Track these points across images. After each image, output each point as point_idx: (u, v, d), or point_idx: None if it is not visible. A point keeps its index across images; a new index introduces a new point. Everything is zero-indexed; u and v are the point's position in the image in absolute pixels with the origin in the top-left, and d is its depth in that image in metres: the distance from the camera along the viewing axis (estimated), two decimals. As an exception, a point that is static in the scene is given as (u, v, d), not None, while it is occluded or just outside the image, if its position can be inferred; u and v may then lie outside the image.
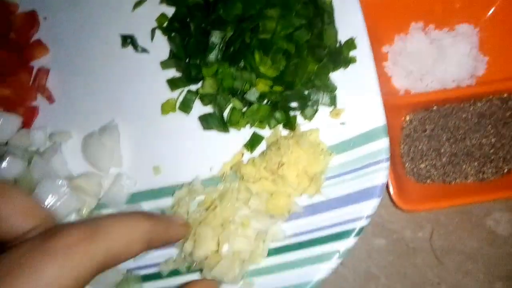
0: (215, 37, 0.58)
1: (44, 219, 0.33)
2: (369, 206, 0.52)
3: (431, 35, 0.66)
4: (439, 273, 0.63)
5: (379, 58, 0.66)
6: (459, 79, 0.64)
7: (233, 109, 0.61)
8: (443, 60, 0.65)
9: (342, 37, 0.60)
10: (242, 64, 0.58)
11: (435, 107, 0.63)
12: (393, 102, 0.62)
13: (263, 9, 0.55)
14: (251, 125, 0.61)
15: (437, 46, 0.65)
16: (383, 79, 0.65)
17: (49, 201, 0.52)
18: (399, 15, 0.66)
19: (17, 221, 0.32)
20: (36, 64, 0.64)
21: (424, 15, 0.67)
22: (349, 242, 0.52)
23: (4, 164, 0.53)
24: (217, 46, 0.58)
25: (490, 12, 0.66)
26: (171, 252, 0.57)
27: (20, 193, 0.34)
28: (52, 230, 0.30)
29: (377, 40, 0.66)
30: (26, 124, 0.61)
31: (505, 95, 0.62)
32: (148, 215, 0.37)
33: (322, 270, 0.52)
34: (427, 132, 0.61)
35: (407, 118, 0.64)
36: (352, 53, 0.58)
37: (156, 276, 0.56)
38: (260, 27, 0.55)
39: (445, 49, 0.65)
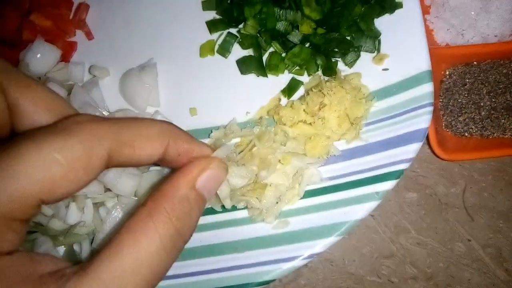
0: (261, -26, 0.57)
1: (64, 115, 0.32)
2: (411, 150, 0.52)
3: (475, -11, 0.65)
4: (470, 229, 0.63)
5: (421, 11, 0.64)
6: (501, 35, 0.63)
7: (273, 53, 0.60)
8: (486, 15, 0.63)
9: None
10: (286, 3, 0.58)
11: (475, 62, 0.62)
12: (433, 54, 0.61)
13: None
14: (290, 71, 0.60)
15: (480, 0, 0.64)
16: (425, 31, 0.63)
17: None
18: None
19: (40, 116, 0.31)
20: (76, 0, 0.64)
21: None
22: (388, 184, 0.52)
23: (45, 91, 0.53)
24: (262, -16, 0.57)
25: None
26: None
27: (44, 89, 0.32)
28: (68, 117, 0.30)
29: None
30: (65, 58, 0.61)
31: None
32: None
33: (359, 211, 0.52)
34: (467, 86, 0.60)
35: (447, 72, 0.63)
36: (398, -1, 0.58)
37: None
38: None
39: (488, 3, 0.64)
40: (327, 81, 0.56)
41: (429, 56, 0.54)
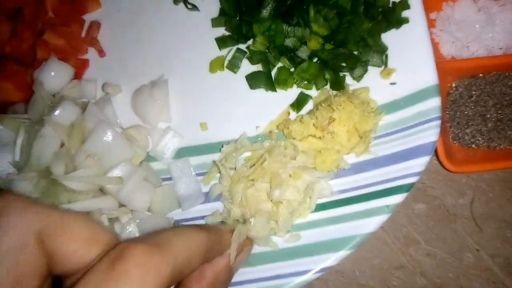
0: (271, -8, 0.58)
1: (107, 244, 0.31)
2: (420, 163, 0.53)
3: (479, 2, 0.66)
4: (478, 240, 0.63)
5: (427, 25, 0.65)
6: (506, 47, 0.64)
7: (282, 68, 0.61)
8: (490, 27, 0.64)
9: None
10: (294, 20, 0.59)
11: (481, 74, 0.63)
12: (439, 68, 0.62)
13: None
14: (298, 85, 0.61)
15: (485, 13, 0.65)
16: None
17: (103, 147, 0.53)
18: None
19: (82, 253, 0.30)
20: (88, 18, 0.65)
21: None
22: (398, 197, 0.52)
23: (60, 109, 0.54)
24: (271, 2, 0.58)
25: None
26: (216, 205, 0.58)
27: (80, 223, 0.31)
28: (118, 252, 0.29)
29: (425, 6, 0.66)
30: (78, 75, 0.62)
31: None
32: (201, 227, 0.37)
33: (370, 225, 0.52)
34: (473, 98, 0.61)
35: (453, 84, 0.64)
36: (405, 14, 0.59)
37: (203, 227, 0.57)
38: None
39: (493, 16, 0.65)
40: (335, 95, 0.57)
41: (436, 70, 0.55)
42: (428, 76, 0.55)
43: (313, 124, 0.56)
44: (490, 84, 0.62)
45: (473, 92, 0.62)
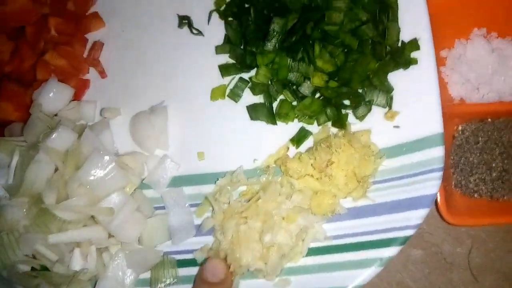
0: (277, 25, 0.56)
1: None
2: (417, 216, 0.51)
3: (493, 43, 0.64)
4: (475, 290, 0.62)
5: (437, 63, 0.63)
6: (519, 93, 0.62)
7: (283, 101, 0.60)
8: (503, 70, 0.62)
9: (405, 37, 0.58)
10: (299, 55, 0.57)
11: (489, 119, 0.61)
12: (447, 110, 0.60)
13: (331, 0, 0.54)
14: (299, 120, 0.60)
15: (499, 55, 0.63)
16: (439, 84, 0.62)
17: (97, 176, 0.53)
18: (462, 19, 0.64)
19: None
20: (91, 37, 0.65)
21: (487, 22, 0.64)
22: (392, 250, 0.51)
23: (55, 134, 0.54)
24: (277, 34, 0.57)
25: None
26: (207, 239, 0.57)
27: None
28: None
29: (437, 43, 0.63)
30: (77, 96, 0.62)
31: None
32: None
33: (360, 277, 0.51)
34: (479, 144, 0.59)
35: (460, 127, 0.62)
36: (413, 54, 0.57)
37: (192, 262, 0.56)
38: (326, 18, 0.54)
39: (506, 59, 0.62)
40: (336, 135, 0.56)
41: (442, 118, 0.53)
42: (433, 124, 0.53)
43: (311, 164, 0.55)
44: (498, 130, 0.60)
45: (480, 138, 0.60)
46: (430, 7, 0.59)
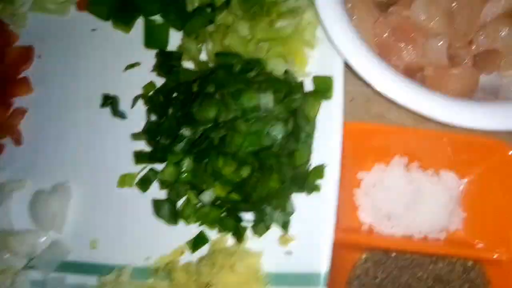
0: (186, 131, 0.56)
1: None
2: None
3: (412, 174, 0.63)
4: None
5: (351, 184, 0.63)
6: (428, 231, 0.61)
7: (187, 202, 0.59)
8: (417, 205, 0.61)
9: (316, 159, 0.57)
10: (204, 163, 0.57)
11: (394, 254, 0.60)
12: (351, 238, 0.59)
13: (235, 121, 0.54)
14: (200, 224, 0.59)
15: (416, 188, 0.62)
16: (349, 208, 0.62)
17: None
18: (384, 144, 0.63)
19: None
20: (17, 102, 0.64)
21: (410, 151, 0.64)
22: None
23: None
24: (186, 139, 0.57)
25: (481, 168, 0.62)
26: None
27: None
28: None
29: (355, 163, 0.63)
30: (-15, 161, 0.61)
31: (470, 263, 0.58)
32: None
33: None
34: (377, 281, 0.58)
35: (363, 255, 0.60)
36: (318, 181, 0.56)
37: None
38: (227, 139, 0.54)
39: (422, 193, 0.62)
40: (224, 253, 0.54)
41: (330, 259, 0.51)
42: (321, 261, 0.51)
43: (194, 280, 0.53)
44: (400, 268, 0.58)
45: (379, 274, 0.58)
46: (353, 128, 0.59)
